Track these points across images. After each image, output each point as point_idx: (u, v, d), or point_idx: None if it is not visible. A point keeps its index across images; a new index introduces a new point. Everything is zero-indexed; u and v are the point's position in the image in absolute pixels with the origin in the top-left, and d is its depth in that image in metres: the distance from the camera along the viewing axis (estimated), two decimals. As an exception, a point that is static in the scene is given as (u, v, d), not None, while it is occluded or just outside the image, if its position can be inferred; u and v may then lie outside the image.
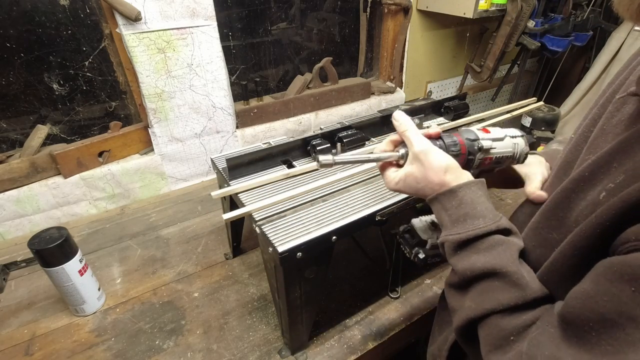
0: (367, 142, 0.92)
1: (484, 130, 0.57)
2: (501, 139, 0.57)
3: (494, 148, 0.56)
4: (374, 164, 0.56)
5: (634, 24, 0.40)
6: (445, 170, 0.49)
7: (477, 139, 0.55)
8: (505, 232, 0.46)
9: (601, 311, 0.31)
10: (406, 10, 1.54)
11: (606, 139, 0.41)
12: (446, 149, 0.52)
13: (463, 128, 0.57)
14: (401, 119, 0.52)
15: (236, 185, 0.76)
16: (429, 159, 0.49)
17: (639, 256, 0.30)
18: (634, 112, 0.40)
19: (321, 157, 0.52)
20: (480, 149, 0.54)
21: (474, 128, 0.58)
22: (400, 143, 0.54)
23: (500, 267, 0.42)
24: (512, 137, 0.58)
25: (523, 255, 0.46)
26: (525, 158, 0.59)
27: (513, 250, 0.44)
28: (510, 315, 0.41)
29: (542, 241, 0.44)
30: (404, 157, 0.53)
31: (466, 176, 0.50)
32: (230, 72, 1.33)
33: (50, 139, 1.14)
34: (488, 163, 0.56)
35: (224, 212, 0.79)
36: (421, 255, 0.57)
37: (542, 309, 0.40)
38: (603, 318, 0.31)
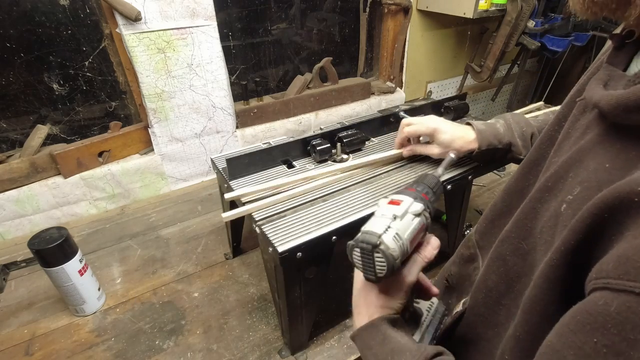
0: (367, 142, 0.92)
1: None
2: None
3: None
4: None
5: (586, 18, 0.38)
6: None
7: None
8: (435, 356, 0.41)
9: None
10: (406, 10, 1.54)
11: (569, 143, 0.41)
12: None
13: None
14: None
15: (239, 191, 0.76)
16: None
17: (597, 298, 0.27)
18: (592, 117, 0.38)
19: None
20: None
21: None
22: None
23: None
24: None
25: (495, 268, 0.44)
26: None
27: None
28: None
29: (514, 250, 0.43)
30: None
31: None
32: (230, 72, 1.33)
33: (50, 139, 1.14)
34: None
35: (224, 212, 0.79)
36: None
37: None
38: None
